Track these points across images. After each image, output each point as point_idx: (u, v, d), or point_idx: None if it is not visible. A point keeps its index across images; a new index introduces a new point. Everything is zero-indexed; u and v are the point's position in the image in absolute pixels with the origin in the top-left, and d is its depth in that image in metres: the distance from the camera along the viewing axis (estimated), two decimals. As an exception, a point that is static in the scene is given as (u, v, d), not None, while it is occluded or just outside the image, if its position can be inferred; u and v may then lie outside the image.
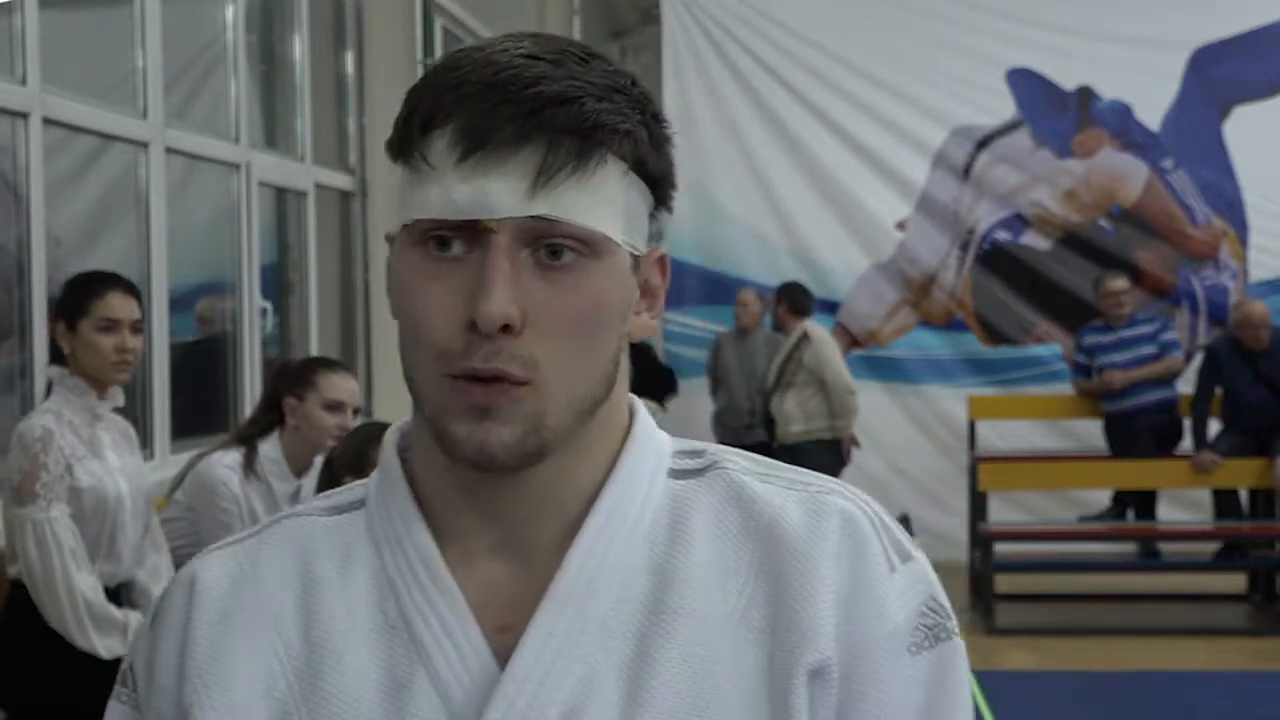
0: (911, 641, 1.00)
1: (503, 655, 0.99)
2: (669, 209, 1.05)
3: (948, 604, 1.04)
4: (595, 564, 1.00)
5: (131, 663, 1.07)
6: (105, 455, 3.48)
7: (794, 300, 7.82)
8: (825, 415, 7.55)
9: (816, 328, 7.74)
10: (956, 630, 1.04)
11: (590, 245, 0.97)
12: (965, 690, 1.03)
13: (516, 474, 0.99)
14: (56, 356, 3.50)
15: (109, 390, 3.50)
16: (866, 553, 1.01)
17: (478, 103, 0.95)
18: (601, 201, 0.97)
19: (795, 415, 7.54)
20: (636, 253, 1.02)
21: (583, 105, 0.96)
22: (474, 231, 0.96)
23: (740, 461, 1.06)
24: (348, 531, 1.06)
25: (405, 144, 0.99)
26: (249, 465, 3.98)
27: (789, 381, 7.59)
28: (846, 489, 1.05)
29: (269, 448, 4.03)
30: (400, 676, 0.99)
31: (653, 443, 1.06)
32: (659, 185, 1.02)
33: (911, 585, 1.02)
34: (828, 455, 7.40)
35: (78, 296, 3.47)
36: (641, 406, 1.08)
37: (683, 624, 0.99)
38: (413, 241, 0.98)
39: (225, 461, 3.97)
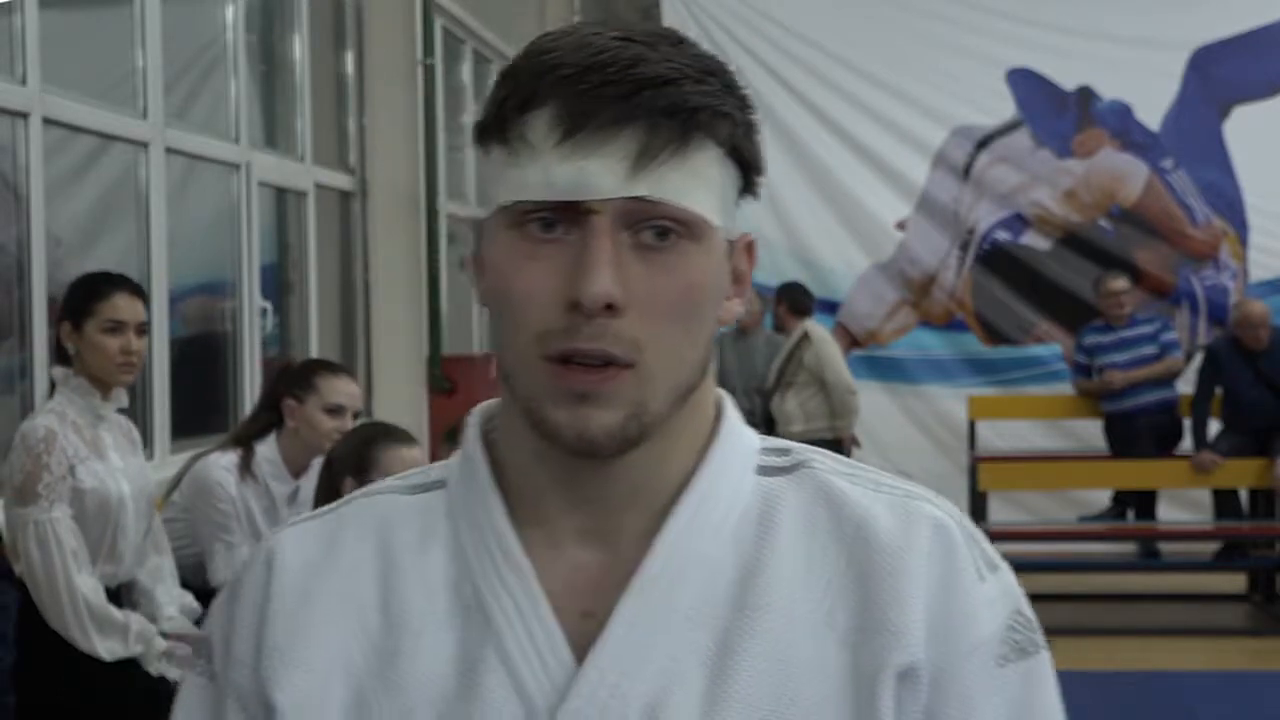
0: (999, 654, 0.99)
1: (583, 641, 0.98)
2: (755, 195, 1.04)
3: (1034, 617, 1.03)
4: (682, 555, 0.99)
5: (209, 636, 1.07)
6: (108, 456, 3.48)
7: (794, 300, 7.82)
8: (825, 415, 7.55)
9: (817, 328, 7.74)
10: (1044, 644, 1.02)
11: (689, 227, 0.96)
12: (1054, 704, 1.02)
13: (610, 460, 0.98)
14: (60, 356, 3.50)
15: (113, 391, 3.49)
16: (957, 560, 1.00)
17: (577, 84, 0.95)
18: (700, 184, 0.97)
19: (795, 415, 7.54)
20: (730, 237, 1.01)
21: (681, 87, 0.95)
22: (574, 213, 0.95)
23: (827, 461, 1.05)
24: (428, 511, 1.05)
25: (500, 125, 0.98)
26: (246, 467, 3.98)
27: (789, 381, 7.59)
28: (933, 496, 1.04)
29: (266, 449, 4.02)
30: (472, 657, 0.99)
31: (741, 437, 1.05)
32: (749, 171, 1.02)
33: (1000, 596, 1.01)
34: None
35: (83, 297, 3.47)
36: (728, 400, 1.07)
37: (767, 620, 0.98)
38: (509, 224, 0.98)
39: (222, 463, 3.97)
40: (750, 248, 1.05)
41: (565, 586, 1.00)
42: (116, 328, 3.43)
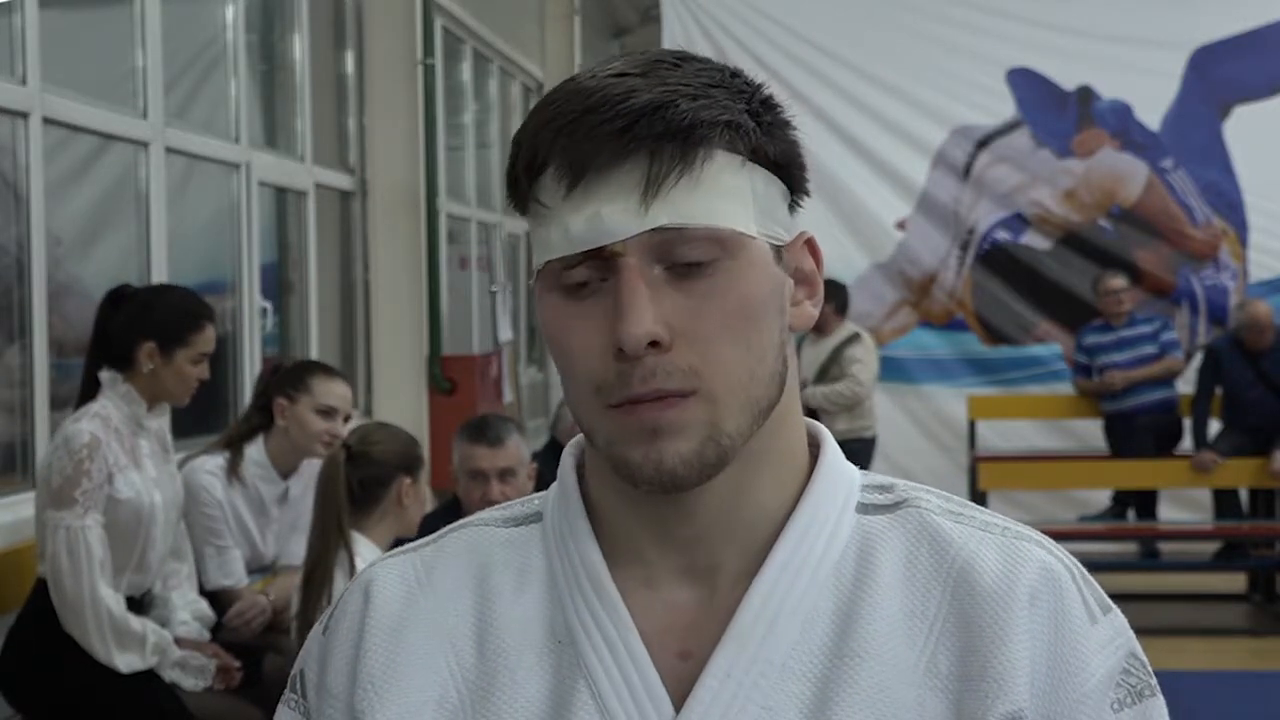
0: (1114, 698, 0.98)
1: (679, 682, 0.97)
2: (805, 193, 1.03)
3: (1147, 660, 1.01)
4: (778, 601, 0.97)
5: (302, 669, 1.06)
6: (144, 465, 3.49)
7: (842, 300, 7.79)
8: (865, 414, 7.60)
9: (863, 332, 7.82)
10: (1158, 688, 1.01)
11: (721, 244, 0.95)
12: None
13: (696, 493, 0.97)
14: (110, 358, 3.48)
15: (159, 404, 3.53)
16: (1065, 604, 0.98)
17: (573, 131, 0.94)
18: (720, 197, 0.95)
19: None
20: (777, 242, 0.99)
21: (677, 107, 0.93)
22: (603, 260, 0.94)
23: (932, 500, 1.03)
24: (525, 545, 1.04)
25: (517, 192, 0.98)
26: (233, 469, 3.98)
27: (835, 378, 7.57)
28: (1042, 538, 1.02)
29: (254, 451, 4.02)
30: (565, 694, 0.98)
31: (842, 474, 1.03)
32: (785, 170, 1.00)
33: (1113, 639, 0.99)
34: (859, 457, 7.38)
35: (179, 326, 3.49)
36: (827, 433, 1.05)
37: (866, 668, 0.96)
38: (549, 286, 0.97)
39: (208, 467, 3.97)
40: (811, 245, 1.03)
41: (662, 627, 0.99)
42: (201, 360, 3.52)
